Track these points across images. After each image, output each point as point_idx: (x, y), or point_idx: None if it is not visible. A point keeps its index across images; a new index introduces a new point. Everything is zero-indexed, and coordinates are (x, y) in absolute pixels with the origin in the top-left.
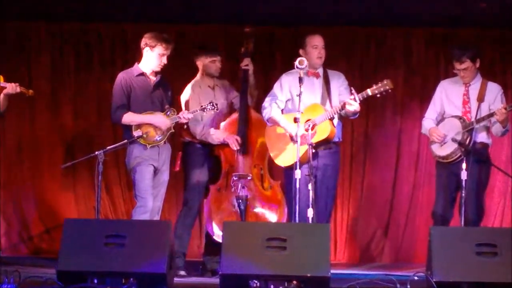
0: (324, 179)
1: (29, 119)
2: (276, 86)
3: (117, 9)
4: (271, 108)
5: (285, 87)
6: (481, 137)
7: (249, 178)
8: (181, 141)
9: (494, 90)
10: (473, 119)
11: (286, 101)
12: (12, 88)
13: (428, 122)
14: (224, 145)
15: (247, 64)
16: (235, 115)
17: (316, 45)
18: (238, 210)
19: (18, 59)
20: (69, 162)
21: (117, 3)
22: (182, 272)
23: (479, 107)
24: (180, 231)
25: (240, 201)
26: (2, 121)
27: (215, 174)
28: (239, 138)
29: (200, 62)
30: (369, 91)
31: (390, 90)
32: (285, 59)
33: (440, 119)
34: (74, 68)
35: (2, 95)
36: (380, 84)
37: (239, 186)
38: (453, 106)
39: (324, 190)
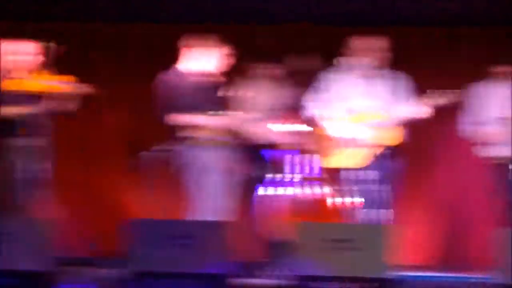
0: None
1: (91, 118)
2: (324, 86)
3: (166, 10)
4: (318, 109)
5: (334, 87)
6: None
7: (311, 179)
8: (235, 141)
9: None
10: None
11: (335, 102)
12: (75, 88)
13: None
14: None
15: (304, 64)
16: (291, 114)
17: (369, 47)
18: (297, 212)
19: (84, 60)
20: (131, 162)
21: (170, 4)
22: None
23: None
24: None
25: (303, 203)
26: (68, 121)
27: (273, 171)
28: (299, 140)
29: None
30: None
31: None
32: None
33: None
34: (131, 68)
35: (62, 95)
36: None
37: (301, 188)
38: None
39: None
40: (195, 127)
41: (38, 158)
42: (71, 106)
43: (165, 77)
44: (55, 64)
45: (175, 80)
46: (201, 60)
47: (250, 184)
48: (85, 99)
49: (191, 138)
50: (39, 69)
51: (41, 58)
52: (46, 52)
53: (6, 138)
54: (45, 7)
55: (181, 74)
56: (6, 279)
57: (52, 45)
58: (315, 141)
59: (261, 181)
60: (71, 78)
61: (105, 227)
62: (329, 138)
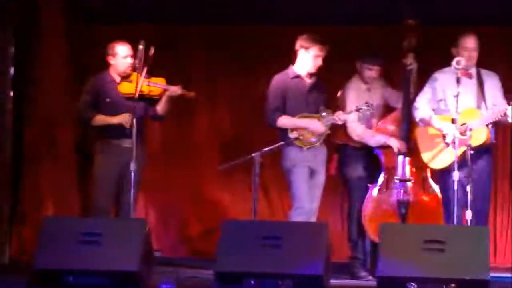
0: (480, 182)
1: (187, 120)
2: (428, 85)
3: (275, 11)
4: (423, 109)
5: (438, 86)
6: None
7: (411, 181)
8: (335, 143)
9: None
10: None
11: (438, 101)
12: (174, 90)
13: None
14: (385, 146)
15: (411, 62)
16: (392, 114)
17: (466, 47)
18: (399, 213)
19: (176, 63)
20: (227, 164)
21: (275, 5)
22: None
23: None
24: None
25: (402, 205)
26: (161, 125)
27: (374, 174)
28: (403, 143)
29: (358, 65)
30: None
31: None
32: (437, 57)
33: None
34: (231, 70)
35: (164, 97)
36: None
37: (401, 190)
38: None
39: (480, 192)
40: (301, 128)
41: (134, 159)
42: (168, 107)
43: (279, 78)
44: (153, 66)
45: (286, 81)
46: (308, 61)
47: (358, 185)
48: (184, 101)
49: (298, 139)
50: (138, 71)
51: (140, 60)
52: (144, 55)
53: (103, 140)
54: (151, 9)
55: (292, 75)
56: (101, 279)
57: (148, 47)
58: (422, 141)
59: (369, 182)
60: (164, 80)
61: (201, 228)
62: (435, 138)
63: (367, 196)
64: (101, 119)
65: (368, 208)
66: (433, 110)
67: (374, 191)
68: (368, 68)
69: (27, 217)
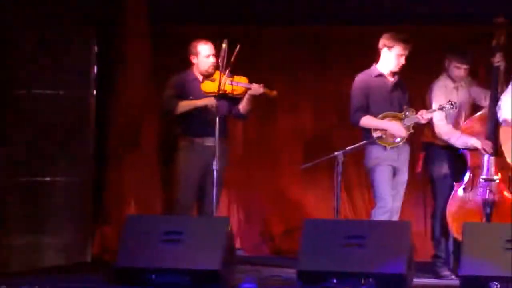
0: None
1: (270, 119)
2: None
3: (357, 11)
4: (506, 109)
5: None
6: None
7: (497, 181)
8: (423, 141)
9: None
10: None
11: None
12: (256, 89)
13: None
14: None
15: (499, 60)
16: (478, 114)
17: None
18: (484, 213)
19: (261, 62)
20: (309, 163)
21: (358, 5)
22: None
23: None
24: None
25: (487, 204)
26: (244, 123)
27: (459, 172)
28: (489, 143)
29: (447, 63)
30: None
31: None
32: None
33: None
34: (314, 69)
35: (246, 96)
36: None
37: (487, 189)
38: None
39: None
40: (383, 128)
41: (218, 158)
42: (250, 106)
43: (361, 77)
44: (236, 65)
45: (369, 80)
46: (391, 60)
47: (443, 183)
48: (266, 100)
49: (381, 138)
50: (221, 70)
51: (220, 59)
52: (227, 54)
53: (187, 138)
54: (233, 10)
55: (375, 74)
56: (183, 278)
57: (231, 46)
58: (505, 140)
59: (454, 180)
60: (247, 79)
61: (283, 227)
62: None
63: (452, 194)
64: (185, 103)
65: (452, 206)
66: None
67: (459, 190)
68: (457, 66)
69: (110, 216)
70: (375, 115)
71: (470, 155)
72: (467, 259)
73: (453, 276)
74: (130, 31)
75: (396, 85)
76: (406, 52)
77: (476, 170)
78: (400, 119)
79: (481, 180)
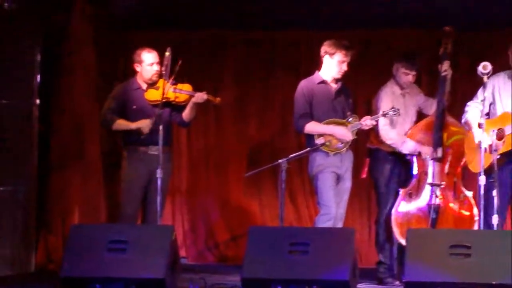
0: None
1: (214, 128)
2: (481, 88)
3: (303, 16)
4: (471, 112)
5: (488, 89)
6: None
7: (442, 186)
8: (368, 147)
9: None
10: None
11: (490, 105)
12: (200, 96)
13: None
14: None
15: (446, 69)
16: (424, 120)
17: None
18: (430, 218)
19: (204, 69)
20: (253, 171)
21: (304, 10)
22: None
23: None
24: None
25: (433, 210)
26: (188, 131)
27: (404, 178)
28: (434, 149)
29: (395, 69)
30: None
31: None
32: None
33: None
34: (259, 77)
35: (190, 104)
36: None
37: (433, 194)
38: None
39: None
40: (328, 134)
41: (161, 166)
42: (193, 114)
43: (304, 84)
44: (179, 72)
45: (312, 87)
46: (333, 66)
47: (388, 189)
48: (211, 108)
49: (324, 145)
50: (162, 78)
51: (164, 67)
52: (170, 61)
53: (131, 147)
54: (178, 16)
55: (318, 81)
56: (127, 287)
57: (175, 53)
58: (468, 147)
59: (400, 186)
60: (191, 86)
61: (228, 234)
62: (476, 142)
63: (398, 200)
64: (121, 123)
65: (398, 212)
66: (487, 114)
67: (405, 195)
68: (405, 73)
69: (54, 226)
70: (318, 121)
71: (416, 161)
72: (411, 265)
73: (397, 282)
74: (74, 40)
75: (339, 92)
76: (348, 59)
77: (422, 175)
78: (344, 126)
79: (426, 185)
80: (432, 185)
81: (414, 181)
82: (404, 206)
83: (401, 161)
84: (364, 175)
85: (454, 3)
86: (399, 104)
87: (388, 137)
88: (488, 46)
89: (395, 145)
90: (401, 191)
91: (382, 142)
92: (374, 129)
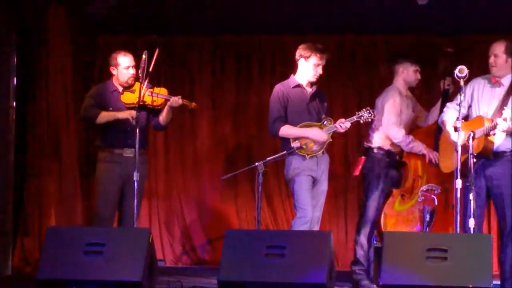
0: (498, 189)
1: (190, 131)
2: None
3: (276, 21)
4: (448, 113)
5: (467, 91)
6: None
7: (439, 191)
8: (364, 146)
9: None
10: None
11: (468, 107)
12: (175, 101)
13: None
14: (413, 153)
15: (449, 84)
16: (425, 128)
17: (490, 54)
18: (425, 221)
19: (181, 73)
20: (230, 174)
21: (277, 16)
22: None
23: None
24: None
25: (427, 213)
26: (165, 134)
27: (397, 179)
28: (436, 154)
29: (404, 70)
30: None
31: None
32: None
33: None
34: (234, 80)
35: (166, 108)
36: None
37: (427, 197)
38: None
39: (500, 199)
40: (303, 137)
41: (137, 169)
42: (169, 117)
43: (279, 88)
44: (155, 76)
45: (287, 91)
46: (308, 70)
47: (380, 189)
48: (187, 111)
49: (300, 148)
50: (140, 81)
51: (140, 70)
52: (146, 65)
53: (106, 149)
54: (155, 20)
55: (293, 85)
56: None
57: (151, 57)
58: (441, 148)
59: (392, 187)
60: (166, 90)
61: (204, 237)
62: (453, 144)
63: (390, 200)
64: (106, 114)
65: (390, 212)
66: (466, 116)
67: (398, 197)
68: (416, 69)
69: (30, 228)
70: (293, 125)
71: (412, 163)
72: (387, 268)
73: (374, 286)
74: (50, 42)
75: (314, 95)
76: (323, 62)
77: (417, 178)
78: (319, 128)
79: (422, 188)
80: (427, 189)
81: (408, 183)
82: (395, 207)
83: (396, 163)
84: (357, 173)
85: (435, 9)
86: (404, 105)
87: (396, 136)
88: (469, 50)
89: (400, 143)
90: (394, 192)
91: (378, 141)
92: (373, 128)
